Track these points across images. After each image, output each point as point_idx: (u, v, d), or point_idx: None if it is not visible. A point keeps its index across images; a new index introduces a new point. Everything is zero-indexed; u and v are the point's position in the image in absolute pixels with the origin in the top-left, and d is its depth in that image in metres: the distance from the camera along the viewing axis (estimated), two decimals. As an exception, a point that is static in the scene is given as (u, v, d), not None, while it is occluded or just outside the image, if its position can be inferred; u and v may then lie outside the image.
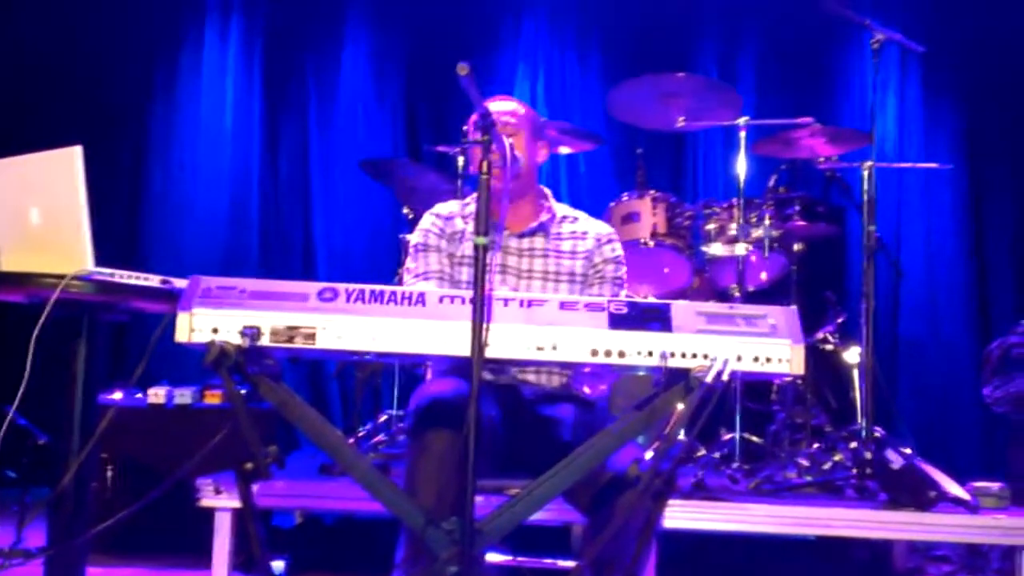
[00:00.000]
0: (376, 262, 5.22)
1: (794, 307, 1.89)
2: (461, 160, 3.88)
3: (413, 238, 2.61)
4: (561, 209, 2.66)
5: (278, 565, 3.19)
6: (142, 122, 5.46)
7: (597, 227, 2.64)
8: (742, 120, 3.79)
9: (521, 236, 2.57)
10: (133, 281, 1.95)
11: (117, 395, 3.65)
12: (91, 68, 5.36)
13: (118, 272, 1.94)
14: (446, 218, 2.59)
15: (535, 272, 2.55)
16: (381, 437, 3.81)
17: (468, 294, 1.81)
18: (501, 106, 2.54)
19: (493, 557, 2.84)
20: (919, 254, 5.10)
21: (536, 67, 5.43)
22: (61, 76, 5.33)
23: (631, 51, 5.32)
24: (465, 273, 2.53)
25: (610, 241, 2.61)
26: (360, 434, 3.82)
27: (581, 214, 2.68)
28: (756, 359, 1.83)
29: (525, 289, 2.52)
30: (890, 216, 5.05)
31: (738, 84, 5.19)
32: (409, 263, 2.59)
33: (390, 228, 5.14)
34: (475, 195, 2.64)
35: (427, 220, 2.61)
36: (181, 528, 3.38)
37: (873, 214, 3.49)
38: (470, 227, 2.56)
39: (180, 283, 1.94)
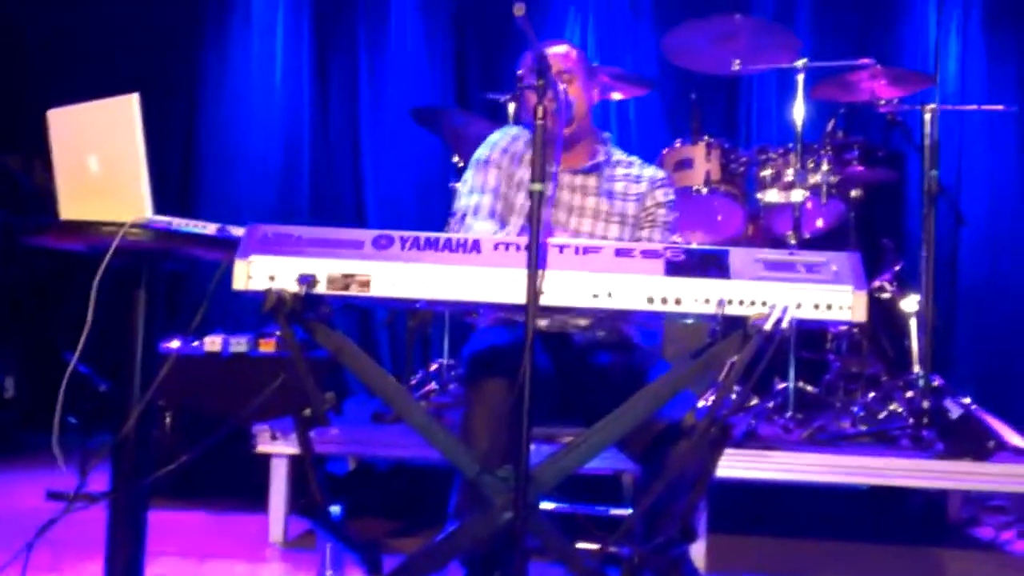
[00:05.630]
0: (427, 210, 5.22)
1: (857, 253, 1.84)
2: (512, 107, 3.83)
3: (478, 152, 2.58)
4: (617, 153, 2.65)
5: (334, 510, 3.24)
6: (193, 74, 5.49)
7: (651, 171, 2.63)
8: (800, 63, 3.69)
9: (575, 173, 2.55)
10: (191, 228, 1.96)
11: (175, 343, 3.71)
12: (143, 20, 5.38)
13: (176, 220, 1.95)
14: (513, 138, 2.59)
15: (587, 209, 2.54)
16: (432, 386, 3.83)
17: (523, 241, 1.79)
18: (555, 50, 2.50)
19: (545, 505, 2.86)
20: (982, 200, 4.96)
21: (587, 10, 5.32)
22: (114, 28, 5.36)
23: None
24: (521, 197, 2.51)
25: (663, 185, 2.59)
26: (411, 383, 3.85)
27: (636, 159, 2.67)
28: (816, 306, 1.79)
29: (576, 225, 2.51)
30: (951, 160, 4.90)
31: (795, 25, 5.05)
32: (469, 175, 2.57)
33: (440, 177, 5.11)
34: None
35: (496, 135, 2.61)
36: (238, 473, 3.45)
37: (935, 159, 3.40)
38: (529, 155, 2.52)
39: (236, 231, 1.95)
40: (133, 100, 1.93)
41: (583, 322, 2.43)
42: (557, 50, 2.52)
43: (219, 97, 5.46)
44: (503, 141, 2.58)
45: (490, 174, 2.53)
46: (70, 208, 2.05)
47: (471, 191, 2.52)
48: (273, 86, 5.44)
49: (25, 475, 4.08)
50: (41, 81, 5.14)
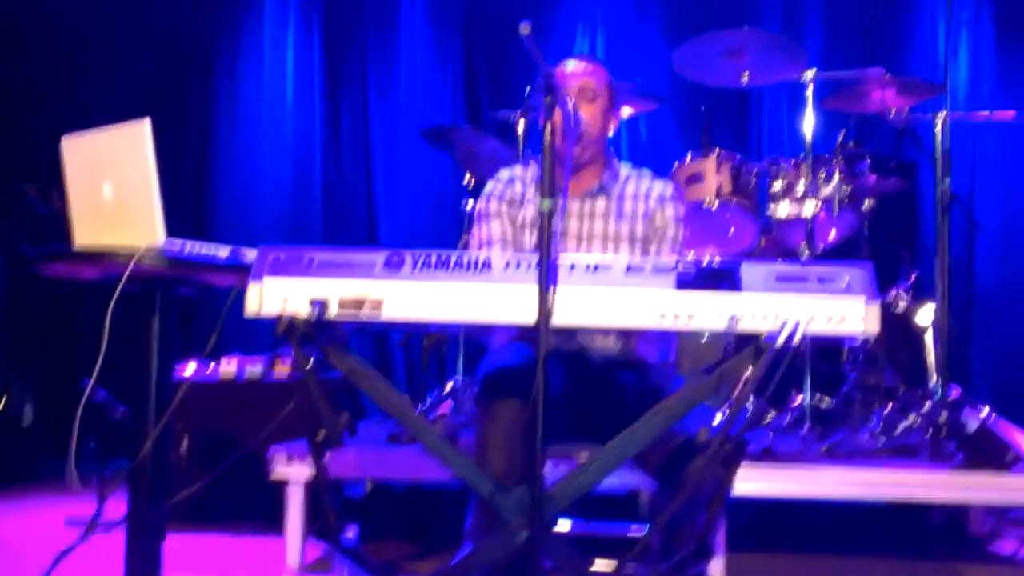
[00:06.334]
0: (439, 229, 5.23)
1: (868, 264, 1.83)
2: (522, 125, 3.83)
3: (478, 205, 2.60)
4: (624, 169, 2.62)
5: (349, 534, 3.23)
6: (205, 96, 5.53)
7: (660, 187, 2.59)
8: (809, 74, 3.68)
9: (583, 199, 2.54)
10: (204, 252, 1.97)
11: (190, 367, 3.72)
12: (153, 44, 5.43)
13: (189, 244, 1.96)
14: (507, 182, 2.58)
15: (595, 235, 2.53)
16: (448, 405, 3.82)
17: (534, 259, 1.79)
18: (582, 67, 2.50)
19: (561, 524, 2.84)
20: (996, 208, 4.93)
21: (595, 25, 5.34)
22: (126, 53, 5.41)
23: (692, 5, 5.21)
24: (528, 235, 2.51)
25: (672, 201, 2.56)
26: (427, 403, 3.84)
27: (646, 172, 2.63)
28: (829, 319, 1.78)
29: (585, 253, 2.50)
30: (965, 169, 4.87)
31: (804, 36, 5.05)
32: (474, 231, 2.59)
33: (452, 195, 5.13)
34: (536, 159, 2.64)
35: (489, 186, 2.60)
36: (255, 497, 3.45)
37: (948, 167, 3.38)
38: (530, 191, 2.54)
39: (249, 253, 1.96)
40: (145, 126, 1.95)
41: (594, 338, 2.43)
42: (584, 66, 2.50)
43: (231, 118, 5.51)
44: (498, 188, 2.57)
45: (492, 225, 2.54)
46: (84, 234, 2.07)
47: (479, 246, 2.54)
48: (284, 107, 5.48)
49: (44, 501, 4.09)
50: (57, 109, 5.19)
